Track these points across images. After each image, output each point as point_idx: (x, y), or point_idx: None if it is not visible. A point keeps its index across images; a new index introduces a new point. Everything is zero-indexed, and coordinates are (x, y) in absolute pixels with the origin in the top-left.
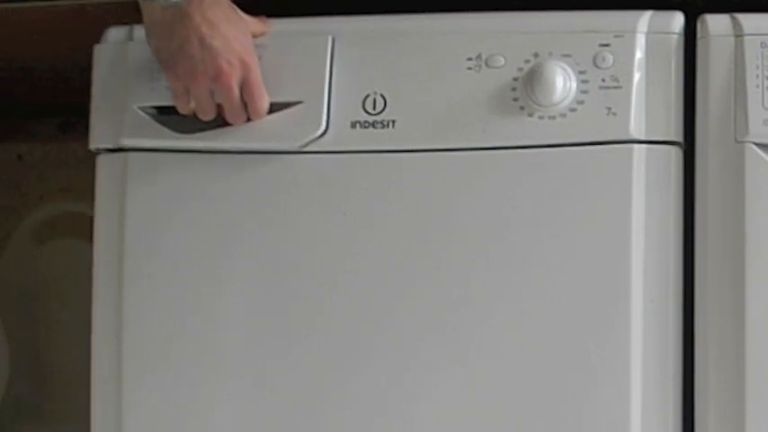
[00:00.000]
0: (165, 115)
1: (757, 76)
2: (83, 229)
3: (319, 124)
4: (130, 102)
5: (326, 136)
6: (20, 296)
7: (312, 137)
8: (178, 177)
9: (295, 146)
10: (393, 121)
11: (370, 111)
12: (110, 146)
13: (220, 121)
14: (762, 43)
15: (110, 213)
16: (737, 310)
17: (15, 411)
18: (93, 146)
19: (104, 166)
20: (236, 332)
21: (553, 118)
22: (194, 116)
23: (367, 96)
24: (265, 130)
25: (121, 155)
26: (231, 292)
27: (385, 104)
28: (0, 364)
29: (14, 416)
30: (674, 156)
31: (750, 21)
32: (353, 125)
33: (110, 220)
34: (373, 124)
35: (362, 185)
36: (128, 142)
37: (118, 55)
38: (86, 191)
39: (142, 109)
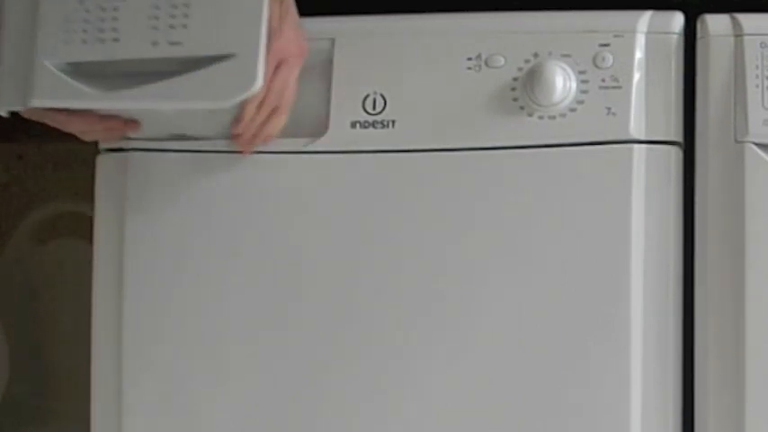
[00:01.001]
0: (83, 72)
1: (757, 77)
2: (83, 229)
3: (254, 79)
4: (41, 57)
5: (326, 136)
6: (20, 296)
7: (246, 94)
8: (178, 177)
9: (226, 104)
10: (393, 121)
11: (370, 111)
12: (19, 107)
13: (147, 78)
14: (762, 43)
15: (110, 213)
16: (737, 310)
17: (15, 411)
18: (1, 110)
19: (104, 166)
20: (235, 332)
21: (553, 118)
22: (116, 73)
23: (367, 96)
24: (194, 87)
25: (122, 154)
26: (231, 292)
27: (385, 104)
28: (0, 364)
29: (14, 416)
30: (674, 156)
31: (750, 21)
32: (353, 125)
33: (110, 220)
34: (373, 124)
35: (362, 185)
36: (38, 102)
37: (28, 4)
38: (86, 191)
39: (55, 65)
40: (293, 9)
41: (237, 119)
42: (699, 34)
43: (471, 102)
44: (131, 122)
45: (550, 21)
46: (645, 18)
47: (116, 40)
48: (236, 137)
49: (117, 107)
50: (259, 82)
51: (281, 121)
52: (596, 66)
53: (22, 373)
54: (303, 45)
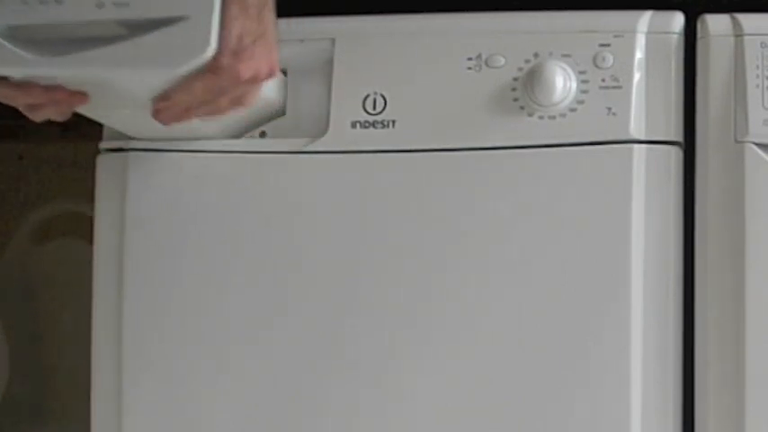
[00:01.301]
0: (22, 37)
1: (757, 76)
2: (83, 229)
3: (207, 44)
4: None
5: (326, 136)
6: (20, 296)
7: (198, 59)
8: (178, 177)
9: (177, 70)
10: (393, 121)
11: (370, 111)
12: None
13: (91, 43)
14: (762, 43)
15: (110, 213)
16: (737, 310)
17: (15, 411)
18: None
19: (104, 166)
20: (235, 332)
21: (553, 118)
22: (58, 38)
23: (367, 96)
24: (141, 52)
25: (122, 154)
26: (231, 292)
27: (385, 104)
28: (0, 364)
29: (14, 416)
30: (674, 156)
31: (750, 21)
32: (353, 125)
33: (110, 220)
34: (373, 124)
35: (362, 185)
36: None
37: None
38: (86, 191)
39: None
40: (272, 27)
41: (162, 98)
42: (699, 34)
43: (471, 102)
44: (78, 94)
45: (550, 21)
46: (645, 18)
47: (58, 1)
48: (155, 111)
49: (57, 73)
50: (212, 47)
51: (191, 118)
52: (596, 66)
53: (22, 373)
54: (274, 63)
